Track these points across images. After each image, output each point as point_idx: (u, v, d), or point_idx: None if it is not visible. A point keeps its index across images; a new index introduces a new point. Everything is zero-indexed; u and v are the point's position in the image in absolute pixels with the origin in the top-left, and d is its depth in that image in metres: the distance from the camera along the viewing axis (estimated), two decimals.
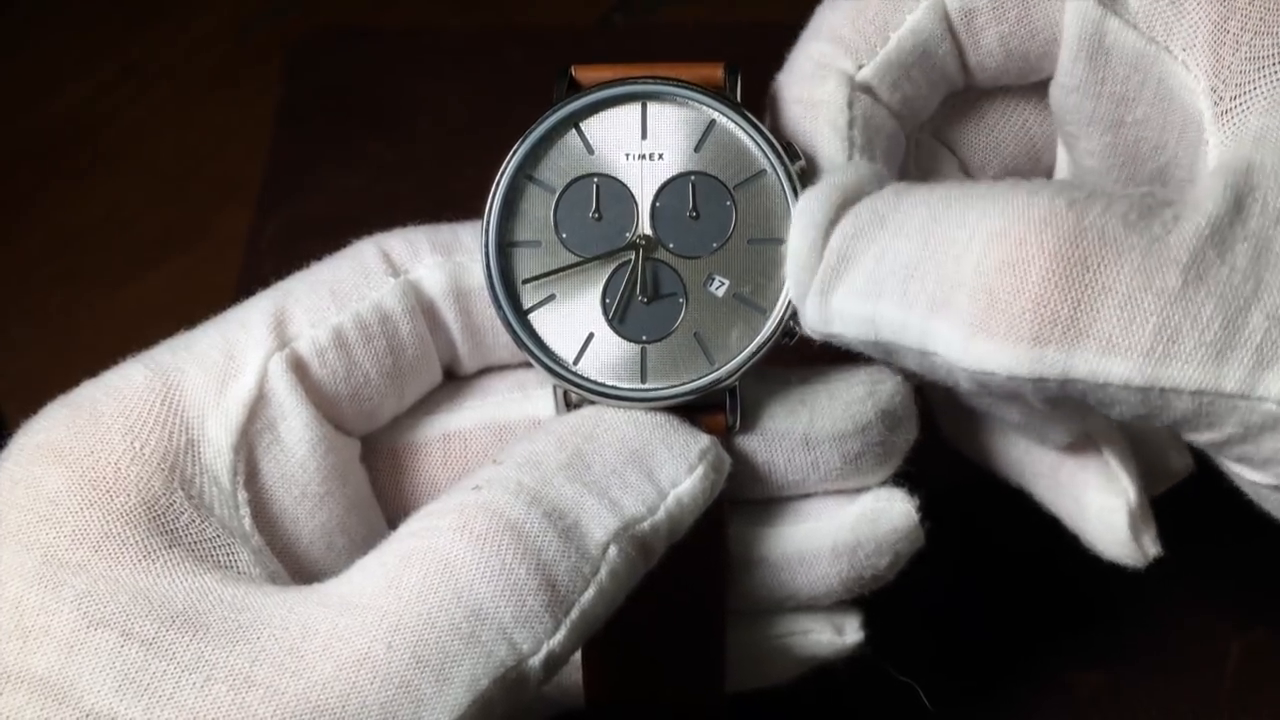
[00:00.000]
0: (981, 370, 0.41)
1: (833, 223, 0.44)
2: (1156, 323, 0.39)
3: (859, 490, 0.49)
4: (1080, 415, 0.48)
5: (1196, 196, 0.41)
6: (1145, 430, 0.52)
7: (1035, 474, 0.51)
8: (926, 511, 0.48)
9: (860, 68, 0.47)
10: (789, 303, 0.46)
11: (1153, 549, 0.49)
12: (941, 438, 0.53)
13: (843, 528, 0.48)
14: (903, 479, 0.49)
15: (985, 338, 0.40)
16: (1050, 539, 0.51)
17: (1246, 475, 0.43)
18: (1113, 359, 0.39)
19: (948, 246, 0.41)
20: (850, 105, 0.47)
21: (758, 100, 0.48)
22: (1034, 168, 0.52)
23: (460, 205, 0.50)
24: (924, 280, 0.42)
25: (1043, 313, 0.40)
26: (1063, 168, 0.52)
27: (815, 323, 0.45)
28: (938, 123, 0.52)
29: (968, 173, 0.52)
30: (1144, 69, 0.46)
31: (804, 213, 0.44)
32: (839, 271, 0.44)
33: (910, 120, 0.50)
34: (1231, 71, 0.44)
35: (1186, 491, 0.52)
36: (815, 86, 0.47)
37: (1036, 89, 0.51)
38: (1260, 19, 0.44)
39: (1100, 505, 0.49)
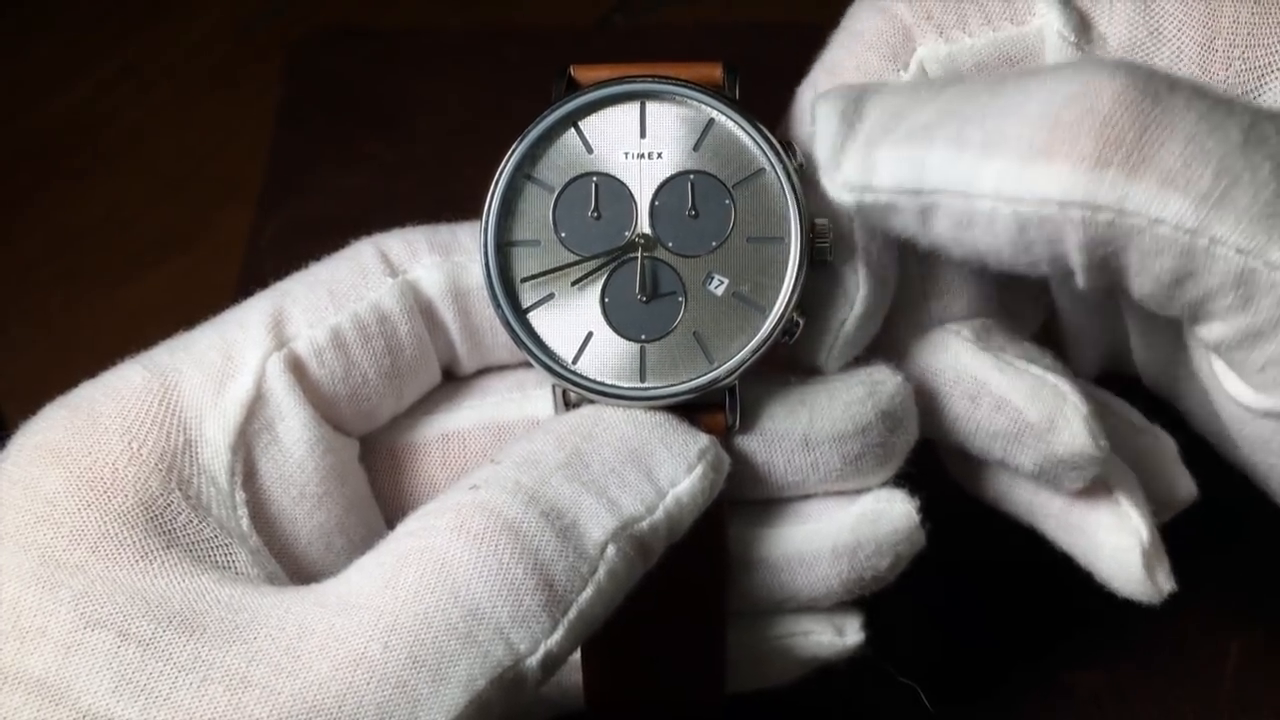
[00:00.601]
0: (1036, 196, 0.40)
1: (859, 100, 0.44)
2: (1217, 167, 0.39)
3: (859, 491, 0.49)
4: (1101, 445, 0.48)
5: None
6: (1151, 461, 0.52)
7: (1045, 515, 0.51)
8: (927, 513, 0.48)
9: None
10: (788, 300, 0.46)
11: (1167, 585, 0.49)
12: None
13: (843, 529, 0.48)
14: (903, 480, 0.49)
15: (1045, 161, 0.40)
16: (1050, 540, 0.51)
17: (1260, 402, 0.42)
18: (1171, 194, 0.39)
19: (1015, 94, 0.42)
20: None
21: (757, 100, 0.48)
22: None
23: (460, 205, 0.50)
24: (983, 123, 0.42)
25: (1109, 134, 0.39)
26: None
27: (856, 174, 0.44)
28: None
29: None
30: None
31: (830, 93, 0.45)
32: (890, 124, 0.43)
33: None
34: (1229, 85, 0.45)
35: None
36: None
37: None
38: (1249, 33, 0.45)
39: (1114, 545, 0.49)
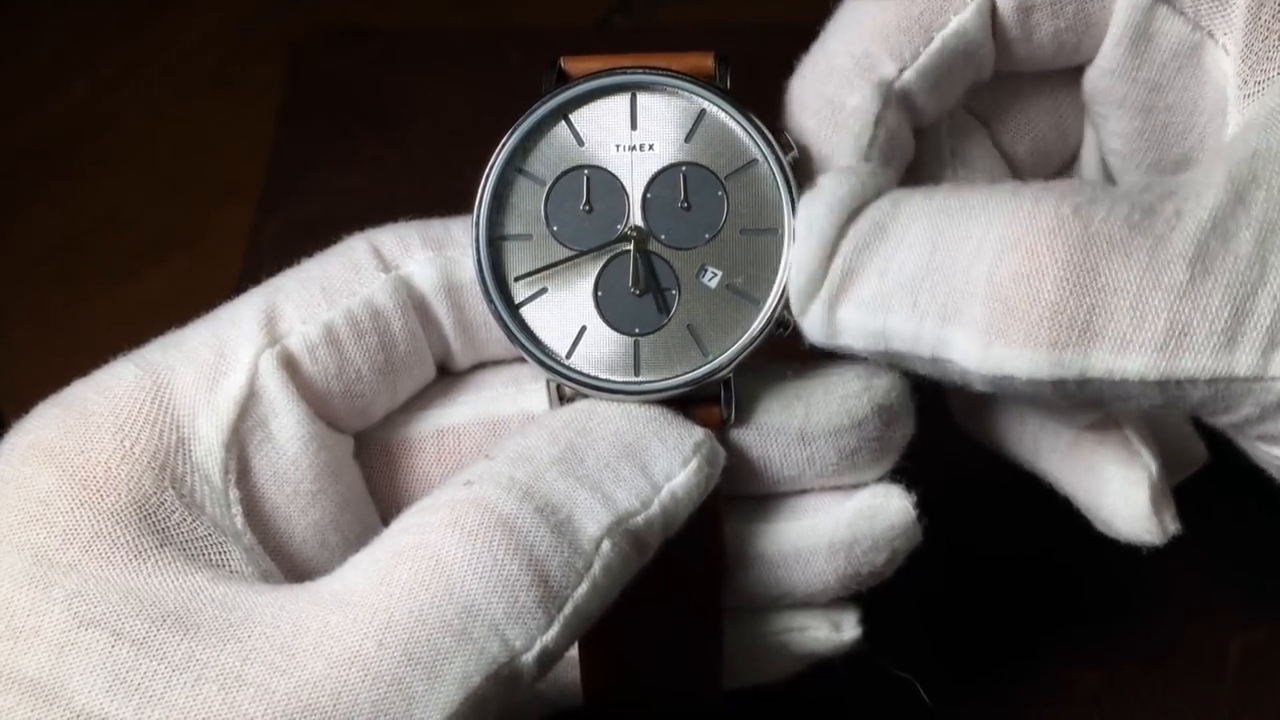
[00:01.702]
0: (1001, 375, 0.41)
1: (840, 236, 0.44)
2: (1168, 318, 0.40)
3: (856, 486, 0.49)
4: (1100, 405, 0.47)
5: (1197, 186, 0.41)
6: (1162, 418, 0.51)
7: (1050, 450, 0.50)
8: (924, 508, 0.48)
9: (902, 70, 0.47)
10: (782, 292, 0.45)
11: (1173, 525, 0.49)
12: (936, 433, 0.53)
13: (839, 524, 0.48)
14: (900, 475, 0.49)
15: (1003, 344, 0.41)
16: (1050, 537, 0.51)
17: (1265, 451, 0.43)
18: (1128, 356, 0.40)
19: (955, 258, 0.42)
20: (877, 122, 0.47)
21: (756, 100, 0.48)
22: (1062, 144, 0.53)
23: (460, 205, 0.50)
24: (934, 291, 0.42)
25: (1059, 318, 0.40)
26: (1090, 146, 0.53)
27: (821, 336, 0.45)
28: (970, 96, 0.51)
29: (998, 146, 0.52)
30: (1184, 55, 0.47)
31: (807, 223, 0.44)
32: (844, 286, 0.44)
33: (934, 118, 0.50)
34: (1259, 58, 0.45)
35: (1186, 491, 0.52)
36: (848, 91, 0.47)
37: (1072, 68, 0.50)
38: None
39: (1121, 479, 0.49)
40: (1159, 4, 0.46)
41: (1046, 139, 0.52)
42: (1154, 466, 0.48)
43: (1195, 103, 0.47)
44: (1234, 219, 0.40)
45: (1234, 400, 0.40)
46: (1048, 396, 0.42)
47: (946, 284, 0.42)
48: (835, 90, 0.47)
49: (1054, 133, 0.52)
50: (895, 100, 0.47)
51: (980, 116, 0.52)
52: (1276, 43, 0.44)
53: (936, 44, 0.47)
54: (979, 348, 0.41)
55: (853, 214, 0.44)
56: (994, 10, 0.47)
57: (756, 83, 0.48)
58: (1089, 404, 0.45)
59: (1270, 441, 0.42)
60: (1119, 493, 0.49)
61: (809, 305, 0.44)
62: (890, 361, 0.45)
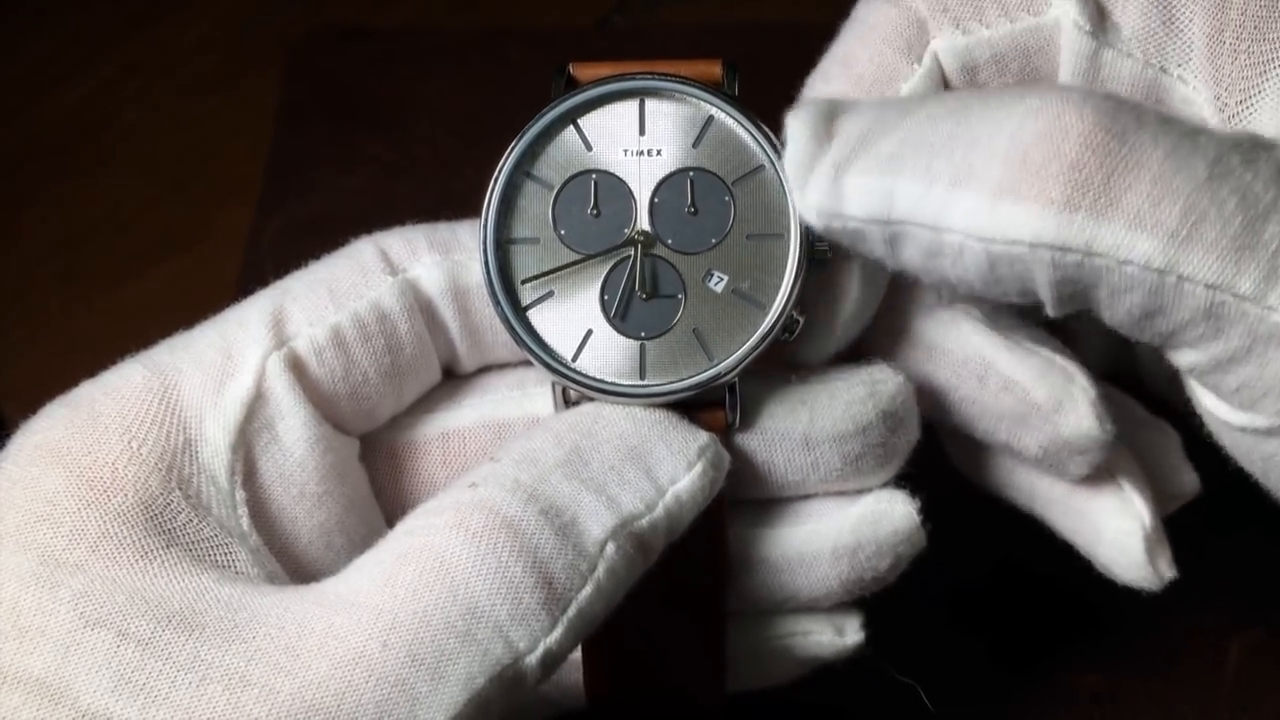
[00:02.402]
0: (1005, 238, 0.40)
1: (831, 116, 0.44)
2: (1184, 205, 0.39)
3: (860, 491, 0.49)
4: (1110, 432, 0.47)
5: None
6: (1155, 452, 0.52)
7: (1047, 500, 0.51)
8: (927, 513, 0.48)
9: None
10: (788, 297, 0.46)
11: (1169, 572, 0.49)
12: (940, 439, 0.53)
13: (843, 530, 0.48)
14: (904, 481, 0.49)
15: (1013, 201, 0.40)
16: (1051, 541, 0.51)
17: (1236, 419, 0.42)
18: (1139, 234, 0.39)
19: (981, 126, 0.41)
20: None
21: (757, 100, 0.48)
22: None
23: (460, 205, 0.50)
24: (951, 156, 0.41)
25: (1076, 177, 0.39)
26: None
27: (824, 201, 0.44)
28: None
29: None
30: (1140, 92, 0.47)
31: (802, 109, 0.45)
32: (858, 150, 0.43)
33: None
34: (1233, 79, 0.45)
35: None
36: None
37: None
38: (1255, 28, 0.45)
39: (1115, 530, 0.49)
40: (1103, 49, 0.46)
41: None
42: (1147, 517, 0.49)
43: None
44: (1255, 152, 0.40)
45: (1226, 322, 0.39)
46: (1039, 286, 0.41)
47: (965, 148, 0.41)
48: None
49: None
50: None
51: None
52: (1249, 61, 0.44)
53: None
54: (988, 205, 0.41)
55: (842, 105, 0.44)
56: (942, 75, 0.48)
57: (756, 82, 0.48)
58: (1074, 306, 0.43)
59: (1242, 396, 0.41)
60: (1114, 543, 0.49)
61: (813, 173, 0.44)
62: (885, 245, 0.44)
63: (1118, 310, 0.41)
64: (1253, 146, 0.40)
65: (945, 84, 0.48)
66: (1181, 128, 0.40)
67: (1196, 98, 0.45)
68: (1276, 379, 0.40)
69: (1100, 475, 0.49)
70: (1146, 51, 0.46)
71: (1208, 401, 0.43)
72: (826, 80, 0.49)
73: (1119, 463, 0.49)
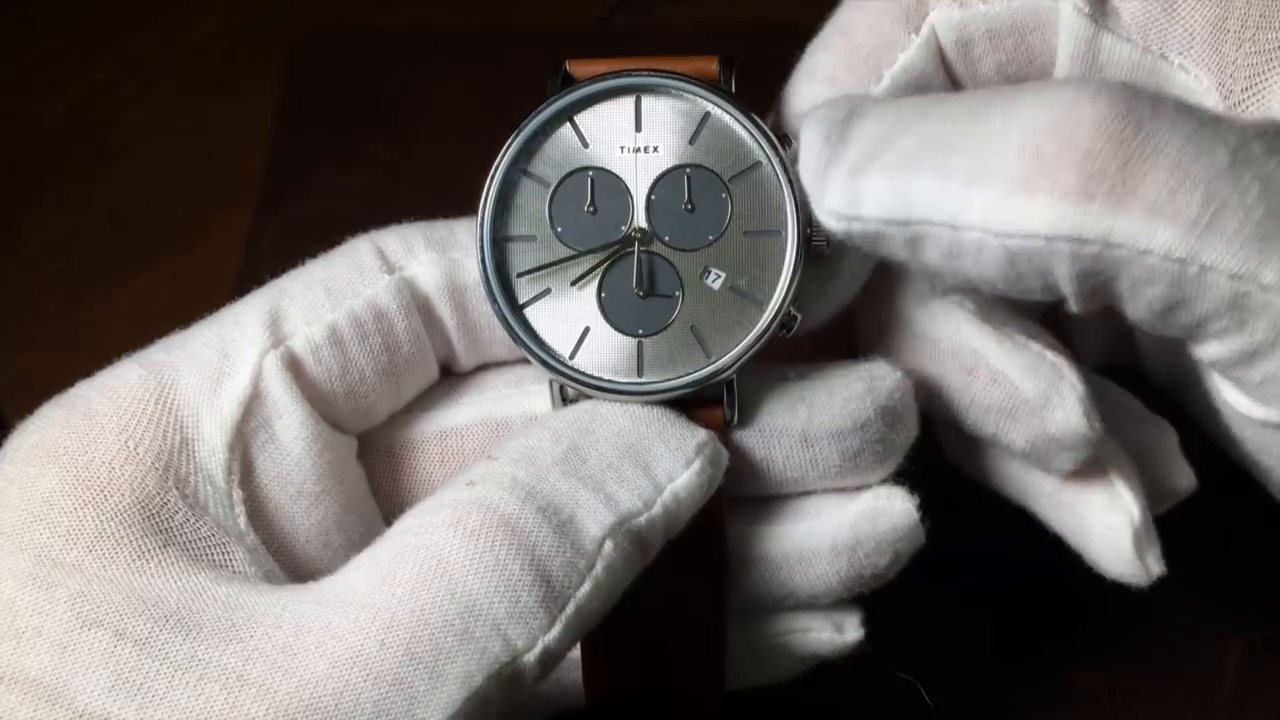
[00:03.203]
0: (1022, 232, 0.40)
1: (848, 118, 0.44)
2: (1204, 193, 0.38)
3: (859, 488, 0.49)
4: (1098, 428, 0.47)
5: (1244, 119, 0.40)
6: (1150, 449, 0.51)
7: (1038, 494, 0.51)
8: (926, 510, 0.48)
9: None
10: (786, 294, 0.45)
11: (1157, 568, 0.49)
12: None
13: (842, 526, 0.48)
14: (903, 477, 0.49)
15: (1027, 195, 0.40)
16: (1050, 539, 0.51)
17: (1259, 413, 0.42)
18: (1158, 224, 0.38)
19: (995, 121, 0.41)
20: None
21: (757, 100, 0.48)
22: None
23: (460, 205, 0.50)
24: (966, 153, 0.41)
25: (1091, 167, 0.39)
26: None
27: (841, 204, 0.44)
28: None
29: None
30: (1140, 79, 0.46)
31: (816, 112, 0.45)
32: (874, 153, 0.43)
33: None
34: (1238, 67, 0.44)
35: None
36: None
37: None
38: (1261, 15, 0.44)
39: (1104, 525, 0.49)
40: (1102, 33, 0.46)
41: None
42: (1136, 512, 0.48)
43: None
44: (1278, 138, 0.39)
45: (1250, 314, 0.39)
46: (1061, 280, 0.41)
47: (980, 144, 0.41)
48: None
49: None
50: None
51: None
52: (1254, 49, 0.44)
53: (886, 82, 0.48)
54: (1004, 200, 0.40)
55: (858, 105, 0.44)
56: (939, 47, 0.48)
57: (756, 82, 0.48)
58: (1095, 297, 0.42)
59: (1267, 388, 0.41)
60: (1102, 538, 0.49)
61: (830, 177, 0.44)
62: (904, 245, 0.44)
63: (1140, 304, 0.40)
64: (1276, 134, 0.39)
65: (942, 57, 0.48)
66: (1201, 115, 0.40)
67: (1198, 87, 0.45)
68: None
69: (1090, 469, 0.49)
70: (1146, 38, 0.46)
71: (1230, 395, 0.43)
72: (826, 48, 0.49)
73: (1110, 457, 0.49)
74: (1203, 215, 0.38)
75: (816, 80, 0.48)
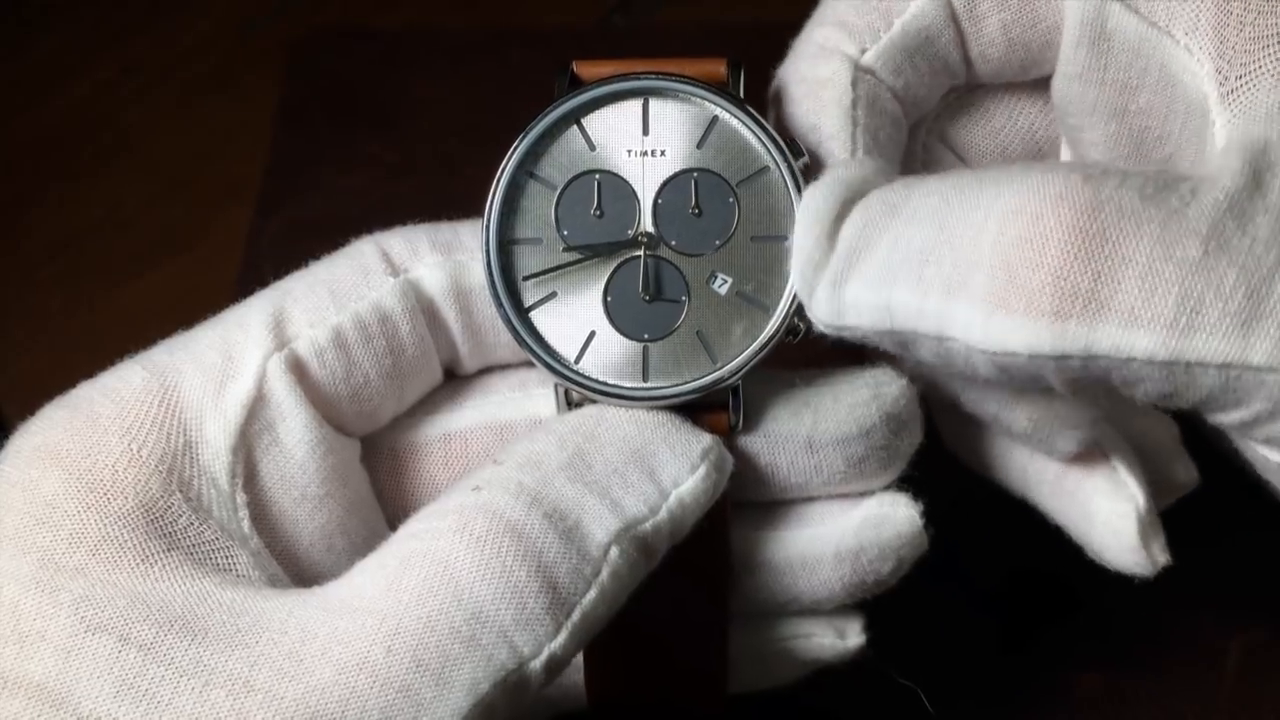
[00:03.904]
0: (1002, 350, 0.40)
1: (840, 216, 0.44)
2: (1179, 293, 0.38)
3: (863, 494, 0.49)
4: (1098, 407, 0.47)
5: (1212, 173, 0.40)
6: (1151, 442, 0.51)
7: (1039, 481, 0.50)
8: (930, 516, 0.48)
9: (864, 52, 0.48)
10: (793, 300, 0.45)
11: (1162, 557, 0.49)
12: (943, 442, 0.53)
13: (846, 532, 0.48)
14: (907, 484, 0.49)
15: (1004, 315, 0.39)
16: (1050, 541, 0.51)
17: (1275, 458, 0.42)
18: (1136, 332, 0.38)
19: (963, 229, 0.41)
20: (854, 85, 0.47)
21: (761, 98, 0.48)
22: None
23: (461, 205, 0.50)
24: (940, 264, 0.41)
25: (1062, 286, 0.39)
26: None
27: (827, 316, 0.44)
28: (943, 126, 0.52)
29: None
30: (1146, 54, 0.46)
31: (809, 207, 0.44)
32: (851, 262, 0.43)
33: (912, 110, 0.49)
34: (1236, 51, 0.44)
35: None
36: (819, 66, 0.48)
37: (1040, 90, 0.50)
38: (1264, 0, 0.44)
39: (1108, 512, 0.48)
40: (1111, 2, 0.46)
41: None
42: (1141, 499, 0.48)
43: (1168, 105, 0.46)
44: (1251, 203, 0.39)
45: (1246, 392, 0.39)
46: (1052, 381, 0.41)
47: (952, 255, 0.41)
48: (809, 68, 0.48)
49: (1029, 157, 0.52)
50: (864, 78, 0.48)
51: (954, 148, 0.52)
52: (1252, 34, 0.43)
53: (897, 28, 0.48)
54: (981, 319, 0.40)
55: (854, 197, 0.44)
56: (950, 1, 0.48)
57: (756, 83, 0.48)
58: (1091, 401, 0.43)
59: (1277, 445, 0.41)
60: (1106, 526, 0.49)
61: (815, 286, 0.44)
62: (897, 347, 0.44)
63: (1136, 395, 0.40)
64: (1250, 197, 0.39)
65: (951, 10, 0.48)
66: (1171, 200, 0.39)
67: (1199, 70, 0.45)
68: None
69: (1093, 455, 0.49)
70: (1153, 13, 0.45)
71: (1252, 448, 0.43)
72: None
73: (1112, 444, 0.49)
74: (1179, 316, 0.38)
75: (827, 24, 0.48)
